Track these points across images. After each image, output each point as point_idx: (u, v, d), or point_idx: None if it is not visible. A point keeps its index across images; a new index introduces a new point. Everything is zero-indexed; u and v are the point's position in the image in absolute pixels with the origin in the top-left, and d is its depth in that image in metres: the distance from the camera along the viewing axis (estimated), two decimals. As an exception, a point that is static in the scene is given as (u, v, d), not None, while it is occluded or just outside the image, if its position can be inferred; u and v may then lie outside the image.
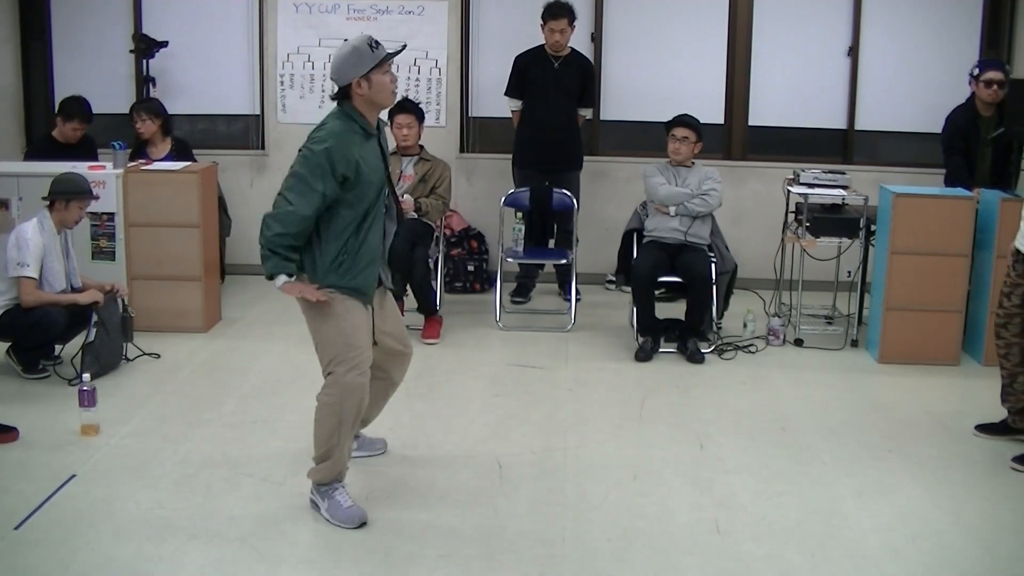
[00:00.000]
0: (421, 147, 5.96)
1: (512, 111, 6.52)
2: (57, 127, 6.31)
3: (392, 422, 4.44)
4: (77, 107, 6.30)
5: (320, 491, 3.54)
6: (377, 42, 3.44)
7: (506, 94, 6.49)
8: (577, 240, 6.36)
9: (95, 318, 4.83)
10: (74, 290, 4.98)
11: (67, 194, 4.90)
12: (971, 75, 5.70)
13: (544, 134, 6.32)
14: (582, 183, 6.54)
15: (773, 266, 6.15)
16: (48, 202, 4.90)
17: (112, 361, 5.00)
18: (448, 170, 5.98)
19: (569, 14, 6.21)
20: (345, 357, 3.44)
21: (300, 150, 3.47)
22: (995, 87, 5.56)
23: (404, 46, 3.60)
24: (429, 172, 5.90)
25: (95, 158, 6.17)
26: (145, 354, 5.21)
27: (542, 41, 6.32)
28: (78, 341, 4.93)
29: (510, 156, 6.55)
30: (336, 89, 3.47)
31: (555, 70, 6.31)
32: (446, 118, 7.02)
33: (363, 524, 3.47)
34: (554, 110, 6.33)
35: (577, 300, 6.16)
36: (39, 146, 6.39)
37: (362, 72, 3.39)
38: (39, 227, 4.81)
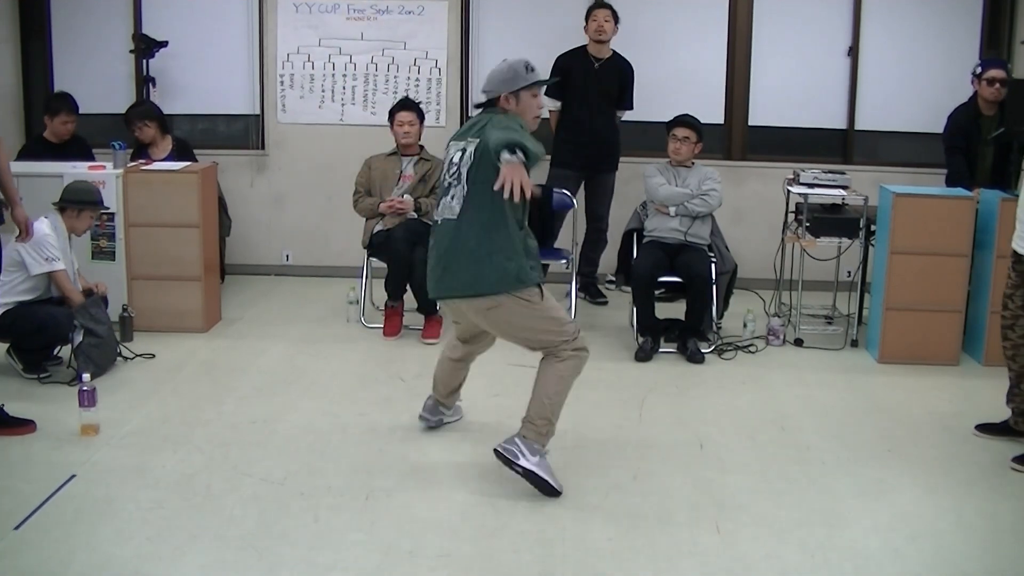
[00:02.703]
0: (421, 147, 5.97)
1: (550, 111, 6.49)
2: (47, 127, 6.31)
3: (392, 422, 4.45)
4: (62, 101, 6.31)
5: (535, 449, 3.68)
6: (532, 67, 3.77)
7: (546, 94, 6.49)
8: (606, 242, 6.45)
9: (75, 323, 4.81)
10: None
11: (80, 203, 4.94)
12: (974, 73, 5.71)
13: (584, 136, 6.36)
14: None
15: (773, 266, 6.15)
16: (59, 207, 4.92)
17: (107, 361, 4.99)
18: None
19: (612, 8, 6.32)
20: (567, 334, 3.74)
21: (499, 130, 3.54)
22: (997, 85, 5.57)
23: (558, 80, 4.08)
24: (429, 172, 5.90)
25: (90, 157, 6.17)
26: (138, 355, 5.20)
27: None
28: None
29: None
30: (484, 99, 3.79)
31: (596, 72, 6.32)
32: (446, 118, 7.02)
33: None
34: (595, 112, 6.36)
35: (602, 302, 6.34)
36: (32, 147, 6.38)
37: (513, 88, 3.71)
38: (52, 226, 4.83)
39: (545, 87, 3.85)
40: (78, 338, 4.79)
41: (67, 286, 4.85)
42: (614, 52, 6.41)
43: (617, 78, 6.39)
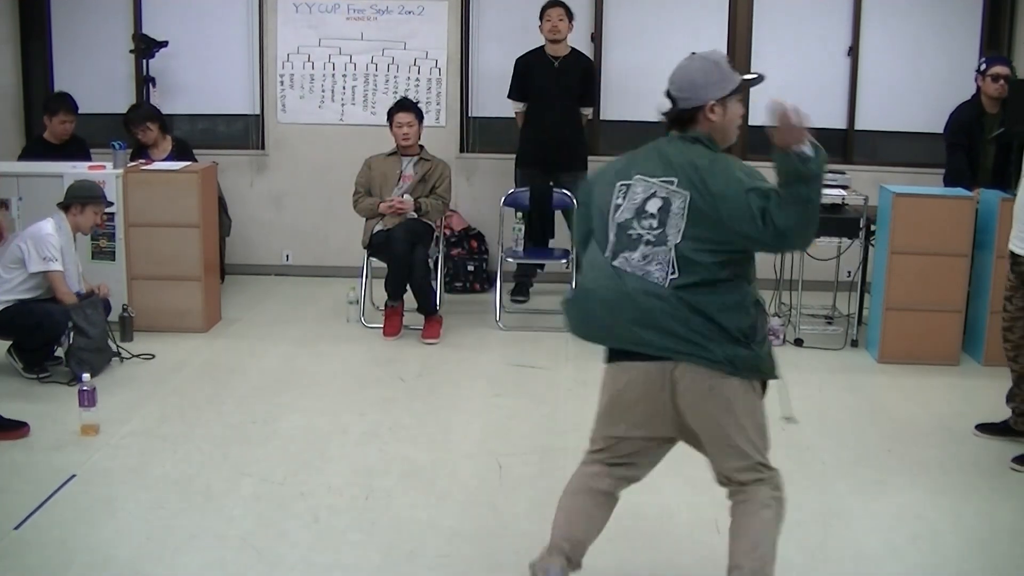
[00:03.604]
0: (421, 147, 5.97)
1: (516, 112, 6.52)
2: (46, 128, 6.30)
3: (392, 422, 4.45)
4: (61, 100, 6.31)
5: None
6: (731, 62, 2.87)
7: (509, 97, 6.50)
8: None
9: (70, 324, 4.79)
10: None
11: (84, 199, 4.95)
12: (978, 70, 5.73)
13: (547, 134, 6.33)
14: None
15: (773, 266, 6.15)
16: (64, 207, 4.93)
17: (101, 363, 4.96)
18: (448, 170, 5.99)
19: (565, 6, 6.27)
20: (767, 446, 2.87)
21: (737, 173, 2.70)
22: (1001, 82, 5.59)
23: (761, 77, 3.02)
24: (429, 172, 5.90)
25: (88, 158, 6.17)
26: (134, 356, 5.19)
27: (541, 40, 6.33)
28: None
29: (510, 156, 6.57)
30: (670, 109, 2.81)
31: (556, 70, 6.31)
32: (446, 118, 7.02)
33: None
34: (556, 111, 6.34)
35: None
36: (32, 148, 6.38)
37: (722, 94, 2.78)
38: (56, 227, 4.84)
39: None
40: (69, 338, 4.78)
41: (61, 288, 4.83)
42: (573, 49, 6.39)
43: (578, 75, 6.38)
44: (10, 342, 4.93)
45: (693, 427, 2.77)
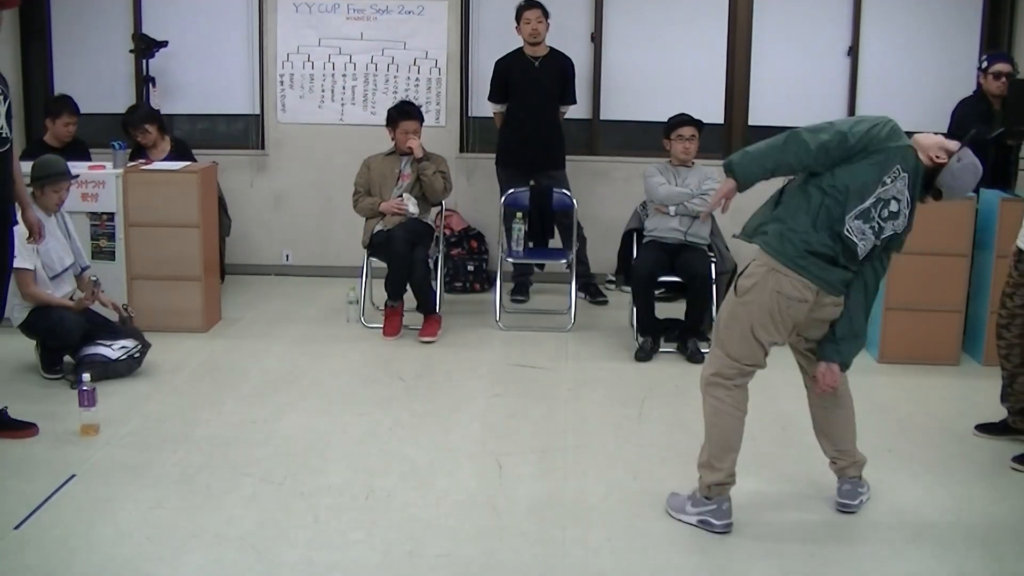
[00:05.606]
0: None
1: (495, 113, 6.54)
2: (48, 130, 6.28)
3: (392, 422, 4.45)
4: (63, 103, 6.30)
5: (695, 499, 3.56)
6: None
7: (489, 99, 6.52)
8: (585, 239, 6.41)
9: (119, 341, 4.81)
10: (78, 279, 5.01)
11: (41, 179, 4.78)
12: (980, 68, 5.75)
13: (526, 135, 6.33)
14: (581, 182, 6.55)
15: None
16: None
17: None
18: (445, 163, 5.99)
19: (541, 6, 6.26)
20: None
21: None
22: (1003, 79, 5.60)
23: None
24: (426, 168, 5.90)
25: (88, 159, 6.16)
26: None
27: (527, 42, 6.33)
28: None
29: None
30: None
31: (536, 71, 6.31)
32: (446, 118, 7.02)
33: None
34: (535, 111, 6.35)
35: (602, 301, 6.38)
36: (32, 151, 6.36)
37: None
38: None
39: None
40: (90, 348, 4.77)
41: (23, 288, 4.66)
42: (551, 49, 6.38)
43: (558, 75, 6.37)
44: (36, 341, 4.91)
45: None
